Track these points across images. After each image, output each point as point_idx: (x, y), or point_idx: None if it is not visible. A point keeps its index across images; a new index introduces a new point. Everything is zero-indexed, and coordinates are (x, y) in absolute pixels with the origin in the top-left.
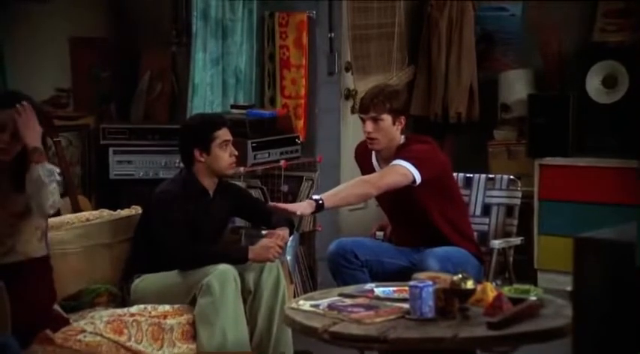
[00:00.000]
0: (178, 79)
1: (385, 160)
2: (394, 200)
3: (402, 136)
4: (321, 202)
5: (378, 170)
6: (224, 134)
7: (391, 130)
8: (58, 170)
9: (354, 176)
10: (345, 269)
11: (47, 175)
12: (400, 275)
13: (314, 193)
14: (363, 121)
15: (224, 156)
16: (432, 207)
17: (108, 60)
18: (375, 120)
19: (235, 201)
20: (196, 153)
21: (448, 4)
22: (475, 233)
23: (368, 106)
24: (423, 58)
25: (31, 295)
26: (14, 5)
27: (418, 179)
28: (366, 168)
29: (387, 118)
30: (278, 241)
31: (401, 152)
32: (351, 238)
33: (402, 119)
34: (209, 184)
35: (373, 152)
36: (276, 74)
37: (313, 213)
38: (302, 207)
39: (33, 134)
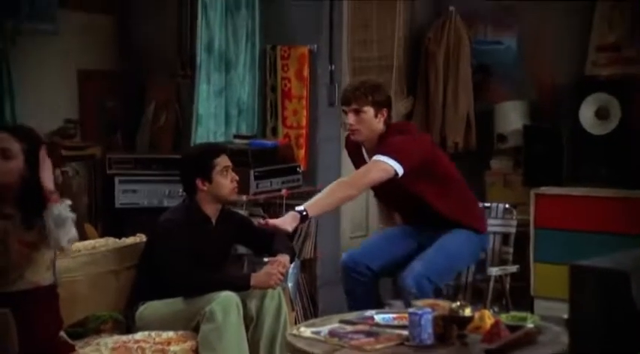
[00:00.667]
0: (183, 110)
1: (369, 151)
2: (387, 191)
3: (383, 127)
4: (305, 213)
5: (369, 162)
6: (223, 161)
7: (373, 122)
8: (69, 202)
9: (354, 206)
10: (357, 283)
11: (65, 211)
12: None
13: (315, 222)
14: (346, 113)
15: (225, 182)
16: (424, 191)
17: (114, 91)
18: (357, 112)
19: (237, 228)
20: (198, 182)
21: (445, 37)
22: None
23: (349, 98)
24: (422, 89)
25: (38, 322)
26: (25, 38)
27: (400, 171)
28: (358, 160)
29: (368, 110)
30: (280, 269)
31: (380, 147)
32: (361, 247)
33: (385, 111)
34: (212, 211)
35: (363, 147)
36: (278, 105)
37: (299, 224)
38: (287, 222)
39: (48, 176)
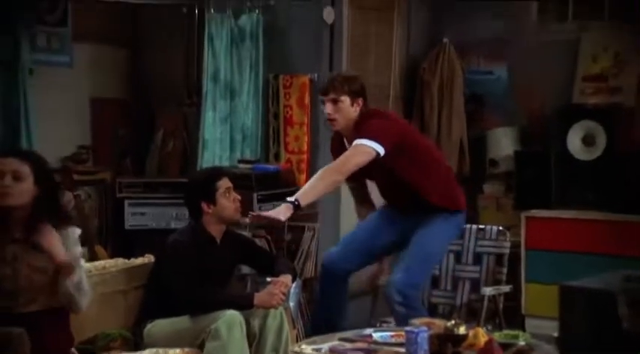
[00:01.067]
0: (189, 136)
1: (348, 138)
2: (371, 174)
3: (357, 114)
4: (297, 203)
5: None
6: (224, 183)
7: (349, 110)
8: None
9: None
10: (333, 283)
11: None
12: (396, 249)
13: (315, 243)
14: (324, 103)
15: (228, 204)
16: (404, 170)
17: (125, 119)
18: (335, 101)
19: (241, 249)
20: (204, 205)
21: (439, 67)
22: (468, 280)
23: (328, 89)
24: (417, 116)
25: (50, 340)
26: (42, 69)
27: (382, 152)
28: (341, 153)
29: (345, 100)
30: (282, 289)
31: (360, 131)
32: (343, 245)
33: (360, 101)
34: (216, 232)
35: (344, 138)
36: (281, 131)
37: (292, 214)
38: (281, 213)
39: (59, 250)
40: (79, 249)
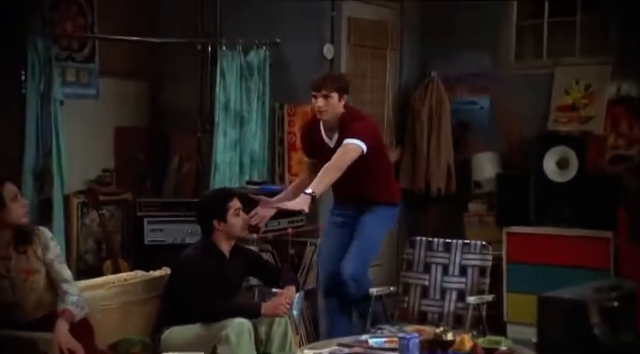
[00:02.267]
0: (203, 160)
1: (330, 128)
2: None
3: (342, 110)
4: (314, 194)
5: (326, 139)
6: (235, 204)
7: (337, 104)
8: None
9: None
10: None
11: (79, 298)
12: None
13: (316, 256)
14: (315, 97)
15: (238, 222)
16: (369, 167)
17: (145, 145)
18: (326, 97)
19: (249, 263)
20: (215, 223)
21: (429, 97)
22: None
23: (320, 86)
24: (409, 141)
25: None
26: (71, 101)
27: (365, 149)
28: (316, 140)
29: (334, 95)
30: (287, 300)
31: (347, 131)
32: (330, 263)
33: (345, 97)
34: (226, 247)
35: (321, 127)
36: (285, 155)
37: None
38: (301, 204)
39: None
40: (57, 247)
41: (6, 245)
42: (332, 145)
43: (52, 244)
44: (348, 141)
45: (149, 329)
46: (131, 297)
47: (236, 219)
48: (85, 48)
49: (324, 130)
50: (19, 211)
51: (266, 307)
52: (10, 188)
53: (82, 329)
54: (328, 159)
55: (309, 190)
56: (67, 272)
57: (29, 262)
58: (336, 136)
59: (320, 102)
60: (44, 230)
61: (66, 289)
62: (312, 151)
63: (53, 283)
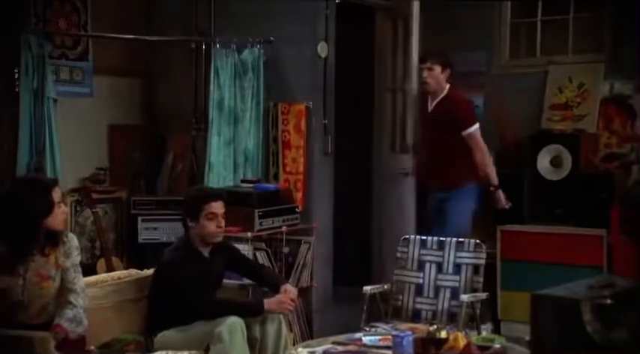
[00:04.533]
0: (197, 159)
1: (432, 98)
2: (441, 143)
3: (447, 85)
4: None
5: (429, 105)
6: (211, 207)
7: (440, 77)
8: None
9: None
10: None
11: (77, 313)
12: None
13: (310, 255)
14: (421, 69)
15: (209, 226)
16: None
17: (139, 143)
18: (430, 69)
19: (228, 258)
20: (188, 220)
21: None
22: (448, 288)
23: (425, 59)
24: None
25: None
26: (65, 100)
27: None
28: (423, 107)
29: (437, 68)
30: (291, 296)
31: (463, 120)
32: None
33: (448, 71)
34: (203, 247)
35: (429, 96)
36: (279, 154)
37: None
38: (504, 201)
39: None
40: (79, 257)
41: (37, 246)
42: (429, 111)
43: (75, 252)
44: (468, 131)
45: (143, 326)
46: (125, 295)
47: (208, 223)
48: (78, 46)
49: (429, 99)
50: (60, 216)
51: (269, 303)
52: (58, 193)
53: (74, 345)
54: (425, 124)
55: (495, 184)
56: (79, 283)
57: (47, 268)
58: (433, 105)
59: (425, 73)
60: (72, 237)
61: (71, 299)
62: (420, 117)
63: (63, 290)
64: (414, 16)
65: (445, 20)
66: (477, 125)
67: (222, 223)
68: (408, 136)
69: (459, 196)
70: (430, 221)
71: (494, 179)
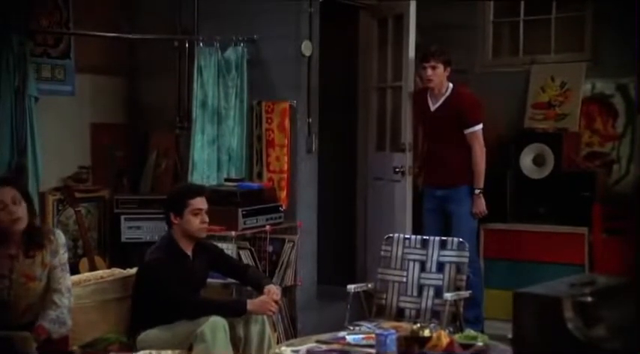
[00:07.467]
0: (180, 157)
1: (435, 96)
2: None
3: (449, 84)
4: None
5: (430, 103)
6: (196, 203)
7: (442, 75)
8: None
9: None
10: None
11: (61, 314)
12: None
13: (294, 253)
14: (425, 68)
15: (194, 221)
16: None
17: (122, 142)
18: (433, 67)
19: (211, 258)
20: (172, 216)
21: None
22: (432, 287)
23: (429, 58)
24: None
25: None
26: (46, 98)
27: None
28: (422, 105)
29: (440, 66)
30: (274, 297)
31: (468, 118)
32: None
33: (449, 69)
34: (186, 246)
35: (428, 94)
36: (263, 152)
37: None
38: (484, 208)
39: None
40: (66, 255)
41: (16, 245)
42: (432, 109)
43: (62, 250)
44: (471, 129)
45: (126, 326)
46: (108, 295)
47: (193, 218)
48: (60, 44)
49: (430, 97)
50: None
51: (252, 303)
52: (7, 191)
53: (56, 345)
54: (427, 121)
55: (477, 190)
56: (65, 283)
57: (33, 269)
58: (438, 103)
59: (429, 71)
60: (59, 235)
61: (55, 299)
62: (418, 115)
63: (48, 289)
64: (411, 15)
65: (428, 19)
66: (481, 125)
67: (206, 219)
68: (403, 134)
69: (460, 195)
70: (428, 219)
71: (481, 183)
